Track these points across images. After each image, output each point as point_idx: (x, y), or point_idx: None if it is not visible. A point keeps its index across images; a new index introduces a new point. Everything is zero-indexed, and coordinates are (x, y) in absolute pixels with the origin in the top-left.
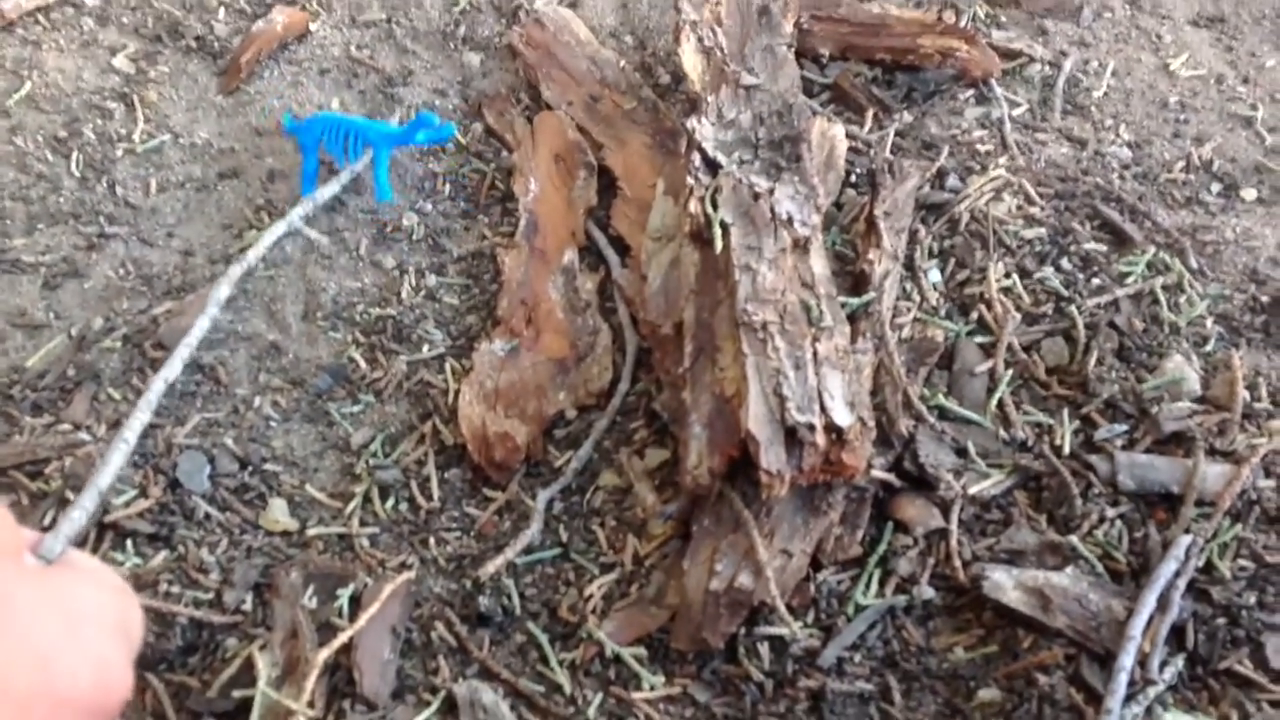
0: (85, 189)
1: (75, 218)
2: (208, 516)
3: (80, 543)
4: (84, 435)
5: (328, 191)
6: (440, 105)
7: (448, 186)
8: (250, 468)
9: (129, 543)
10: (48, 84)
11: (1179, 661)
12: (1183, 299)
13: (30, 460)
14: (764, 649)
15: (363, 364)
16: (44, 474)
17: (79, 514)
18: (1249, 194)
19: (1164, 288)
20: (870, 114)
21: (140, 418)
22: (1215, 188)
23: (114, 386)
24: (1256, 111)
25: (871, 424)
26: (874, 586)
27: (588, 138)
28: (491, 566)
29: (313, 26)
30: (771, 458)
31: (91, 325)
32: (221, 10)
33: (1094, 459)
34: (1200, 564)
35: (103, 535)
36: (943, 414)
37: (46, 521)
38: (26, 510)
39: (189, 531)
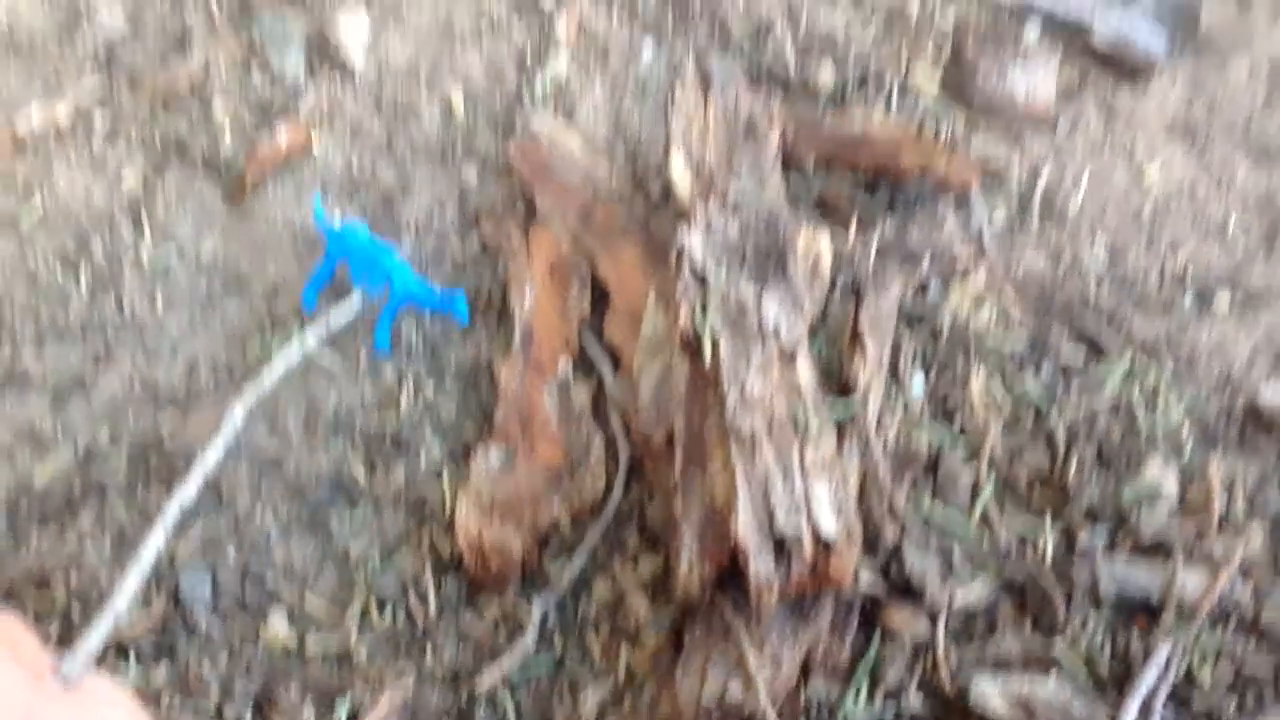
0: (93, 304)
1: (83, 333)
2: (209, 630)
3: None
4: (90, 549)
5: (342, 318)
6: (438, 218)
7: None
8: (251, 581)
9: (132, 656)
10: (58, 202)
11: None
12: (1160, 406)
13: (37, 574)
14: None
15: (362, 475)
16: (50, 587)
17: (96, 637)
18: (1223, 303)
19: (1141, 395)
20: (853, 224)
21: (155, 540)
22: (1190, 296)
23: (119, 500)
24: (1229, 220)
25: (858, 533)
26: (862, 696)
27: (582, 250)
28: (488, 679)
29: (315, 144)
30: (760, 567)
31: (98, 439)
32: (227, 129)
33: (1076, 565)
34: (1181, 671)
35: (106, 649)
36: (928, 521)
37: (54, 633)
38: (32, 625)
39: (190, 646)
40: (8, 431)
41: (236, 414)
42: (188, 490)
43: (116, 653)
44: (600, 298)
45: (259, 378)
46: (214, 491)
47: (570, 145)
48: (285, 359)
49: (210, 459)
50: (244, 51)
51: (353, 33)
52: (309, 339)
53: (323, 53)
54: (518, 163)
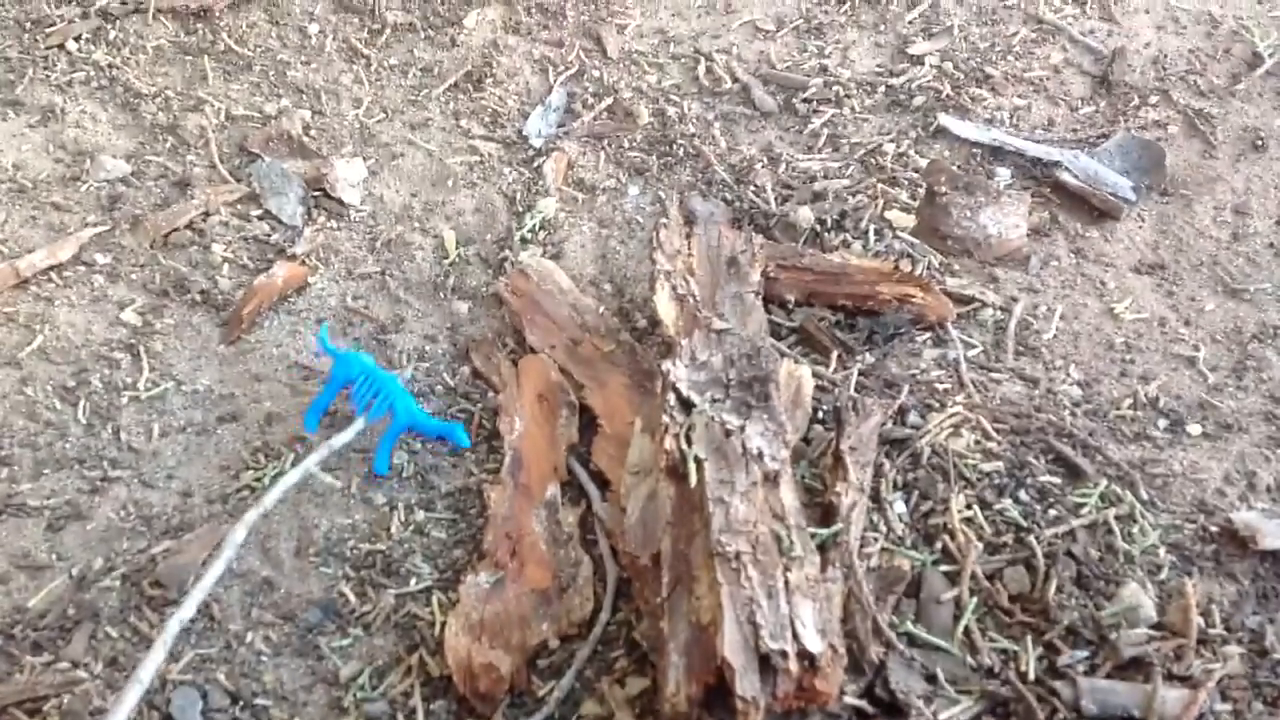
0: (91, 435)
1: (80, 462)
2: None
3: None
4: (82, 674)
5: (343, 439)
6: (430, 350)
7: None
8: (241, 703)
9: None
10: (58, 336)
11: None
12: (1136, 529)
13: (30, 698)
14: None
15: (352, 598)
16: (42, 712)
17: None
18: (1194, 429)
19: (1117, 518)
20: (834, 355)
21: (155, 658)
22: (1162, 423)
23: (112, 625)
24: (1199, 352)
25: (843, 651)
26: None
27: (569, 379)
28: None
29: (311, 280)
30: (747, 685)
31: (92, 565)
32: (225, 266)
33: (1058, 685)
34: None
35: None
36: (912, 641)
37: None
38: None
39: None
40: (4, 558)
41: (239, 533)
42: (186, 610)
43: None
44: (588, 424)
45: (261, 497)
46: (206, 615)
47: (558, 280)
48: (287, 479)
49: (211, 576)
50: (243, 194)
51: (349, 176)
52: (311, 460)
53: (320, 195)
54: (507, 296)
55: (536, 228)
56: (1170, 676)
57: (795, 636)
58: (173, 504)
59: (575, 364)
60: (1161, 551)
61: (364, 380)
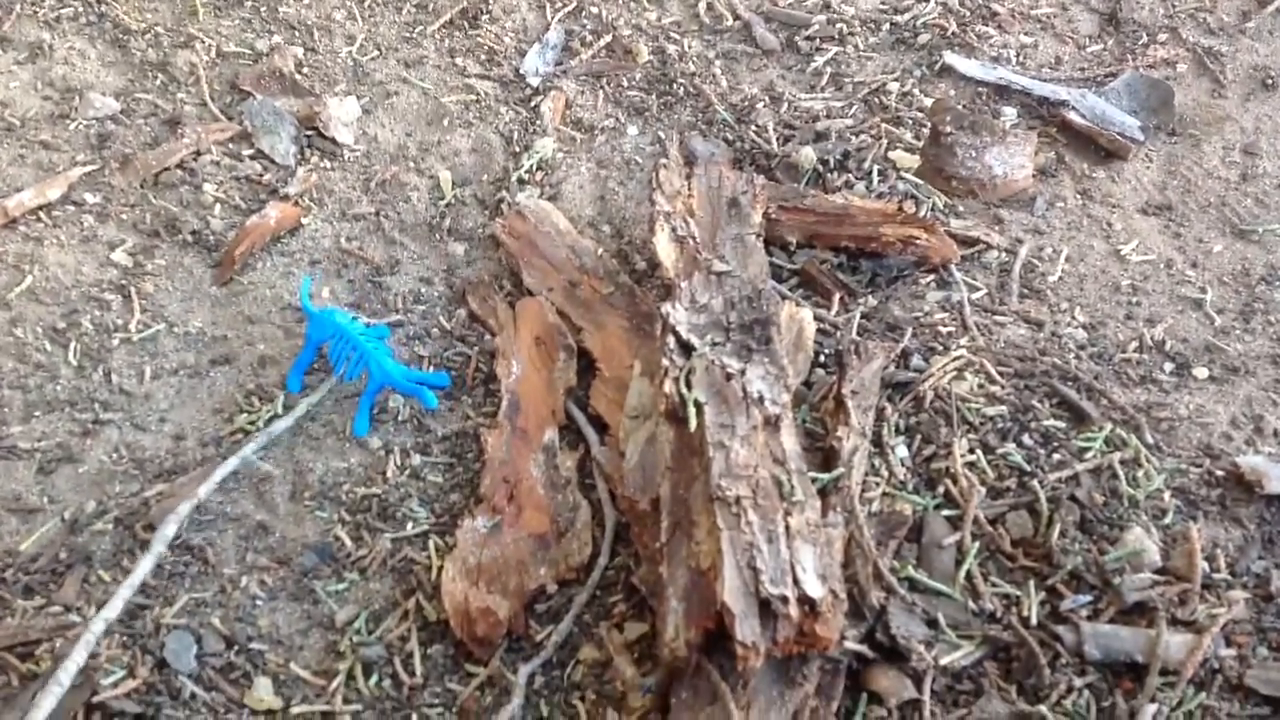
0: (82, 377)
1: (71, 405)
2: (194, 696)
3: None
4: (74, 617)
5: (283, 426)
6: (425, 292)
7: (432, 369)
8: (236, 647)
9: None
10: (48, 277)
11: None
12: (1140, 473)
13: (21, 642)
14: None
15: (348, 542)
16: (35, 655)
17: None
18: (1201, 372)
19: (1122, 463)
20: (836, 298)
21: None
22: (1168, 367)
23: (105, 569)
24: (1205, 294)
25: (843, 596)
26: None
27: (567, 321)
28: None
29: (305, 220)
30: (746, 630)
31: (84, 509)
32: (217, 206)
33: (1060, 629)
34: None
35: (90, 715)
36: (913, 586)
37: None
38: (16, 692)
39: (175, 711)
40: None
41: (169, 527)
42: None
43: (101, 718)
44: (586, 368)
45: (196, 487)
46: (200, 559)
47: (555, 221)
48: (225, 466)
49: (140, 573)
50: (234, 133)
51: (342, 115)
52: (248, 448)
53: (313, 134)
54: (504, 238)
55: (534, 168)
56: (1174, 621)
57: (796, 582)
58: (165, 447)
59: (572, 306)
60: (1166, 496)
61: (338, 339)
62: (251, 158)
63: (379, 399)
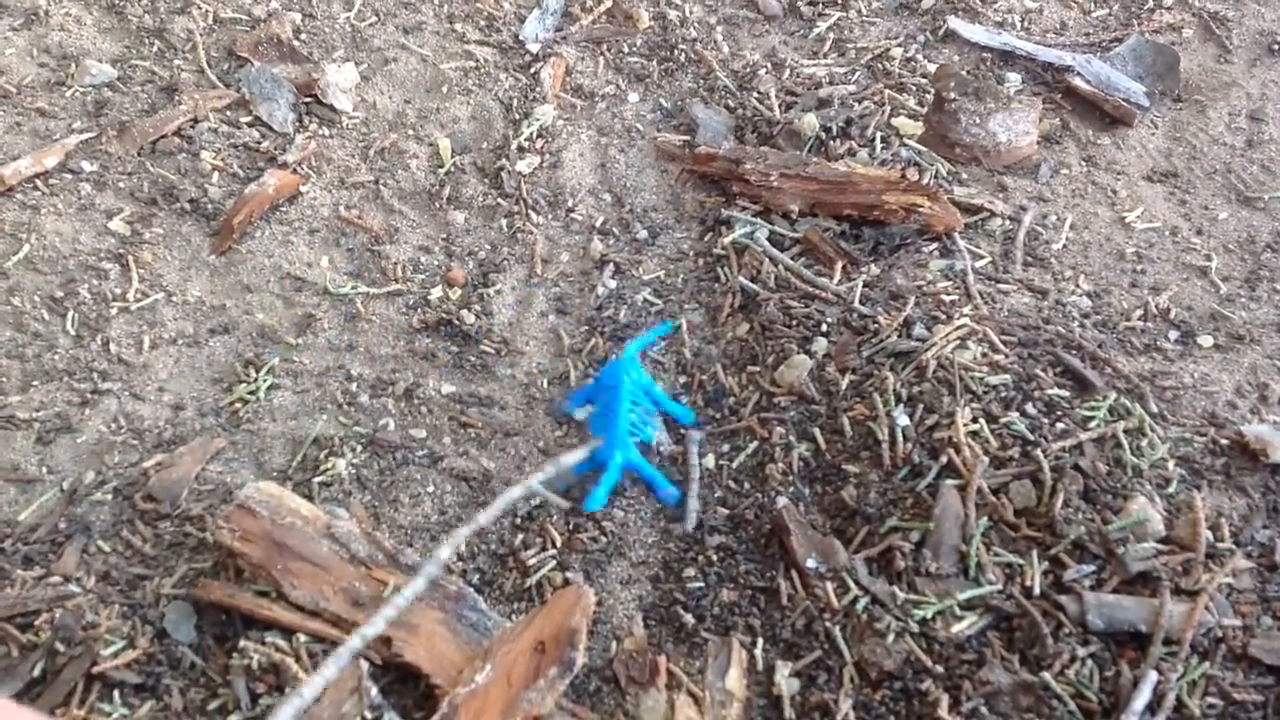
0: (80, 347)
1: (69, 374)
2: (193, 665)
3: (69, 694)
4: (74, 587)
5: (574, 459)
6: (425, 261)
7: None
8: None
9: (116, 693)
10: (45, 246)
11: None
12: (1144, 442)
13: (21, 612)
14: None
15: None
16: (34, 626)
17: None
18: (1206, 341)
19: (1126, 432)
20: (839, 266)
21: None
22: (1173, 335)
23: (104, 539)
24: (1211, 262)
25: None
26: None
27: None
28: None
29: (303, 188)
30: None
31: (83, 479)
32: (215, 174)
33: (1063, 599)
34: (1171, 701)
35: (90, 686)
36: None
37: (35, 673)
38: (16, 662)
39: (174, 681)
40: None
41: (444, 551)
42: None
43: (102, 691)
44: (422, 695)
45: (476, 516)
46: (199, 529)
47: (294, 505)
48: (509, 494)
49: (408, 594)
50: (232, 100)
51: (340, 82)
52: (535, 479)
53: (311, 101)
54: (237, 545)
55: (534, 135)
56: (1178, 591)
57: None
58: (164, 417)
59: (363, 615)
60: (1170, 465)
61: (609, 396)
62: (249, 125)
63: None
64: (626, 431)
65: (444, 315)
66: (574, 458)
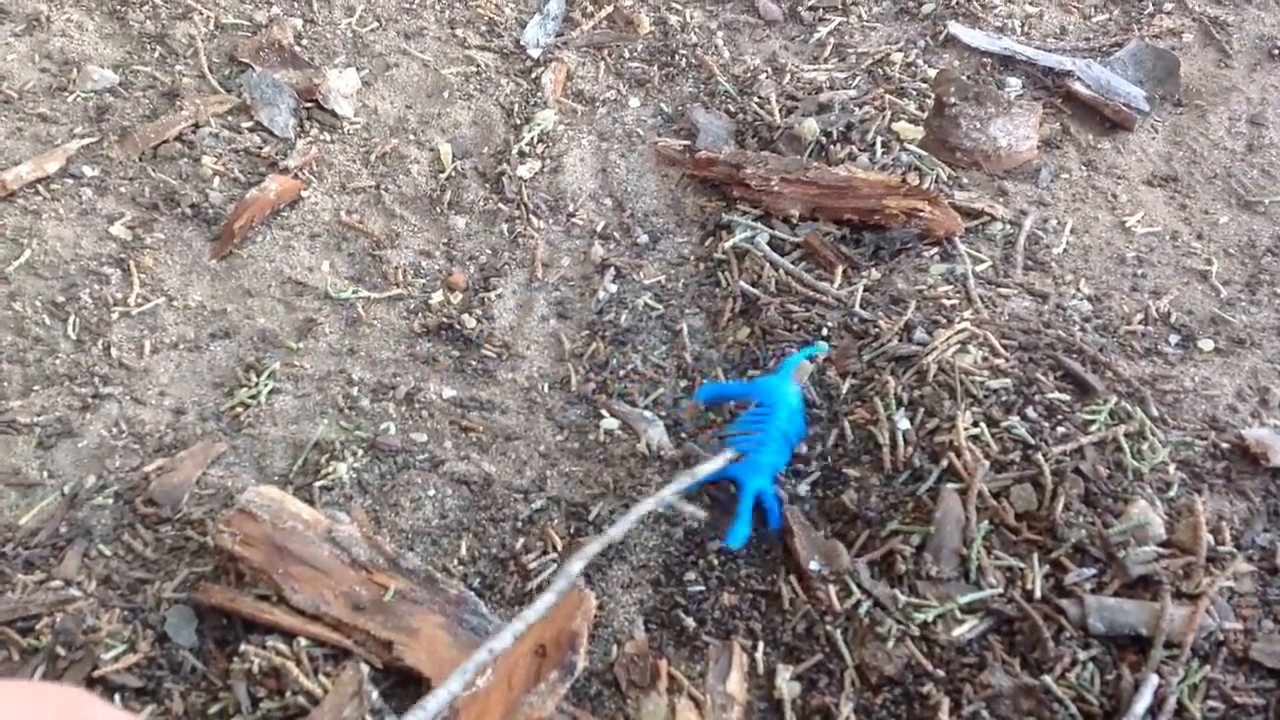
0: (81, 351)
1: (70, 379)
2: (194, 669)
3: None
4: (75, 592)
5: (710, 468)
6: (426, 266)
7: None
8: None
9: (117, 697)
10: (46, 251)
11: None
12: (1145, 446)
13: (21, 617)
14: None
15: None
16: (35, 630)
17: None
18: (1206, 345)
19: (1127, 435)
20: (839, 271)
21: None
22: (1174, 339)
23: (105, 544)
24: (1211, 266)
25: None
26: None
27: (369, 642)
28: None
29: (304, 193)
30: None
31: (84, 483)
32: (216, 179)
33: (1064, 603)
34: (1172, 706)
35: (91, 689)
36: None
37: (36, 677)
38: (17, 666)
39: (175, 685)
40: None
41: (575, 565)
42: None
43: (103, 695)
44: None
45: (608, 529)
46: (200, 532)
47: (294, 509)
48: (641, 507)
49: (543, 605)
50: (233, 105)
51: (342, 87)
52: (668, 490)
53: (312, 106)
54: (237, 549)
55: (535, 140)
56: (1179, 594)
57: None
58: (165, 421)
59: (365, 619)
60: (1171, 468)
61: (762, 415)
62: (251, 130)
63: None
64: (770, 462)
65: (445, 320)
66: (709, 468)
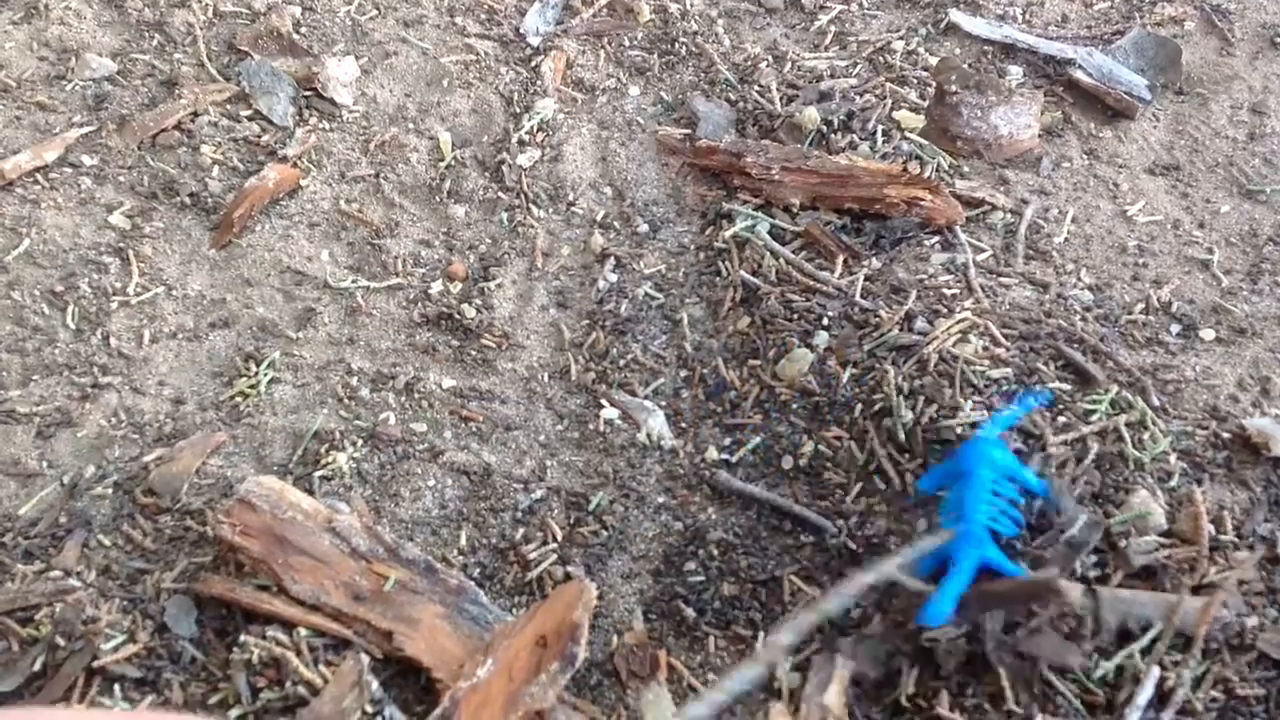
0: (80, 340)
1: (70, 369)
2: (193, 660)
3: (69, 688)
4: (75, 582)
5: (929, 545)
6: (426, 255)
7: None
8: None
9: (117, 687)
10: (45, 240)
11: None
12: (1146, 436)
13: (21, 607)
14: None
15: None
16: (34, 621)
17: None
18: (1207, 334)
19: (1128, 425)
20: (840, 260)
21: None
22: (1175, 328)
23: (105, 534)
24: (1213, 255)
25: None
26: None
27: (368, 631)
28: None
29: (303, 182)
30: None
31: (83, 473)
32: (215, 168)
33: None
34: (1172, 696)
35: (91, 680)
36: None
37: (36, 667)
38: (16, 657)
39: (175, 675)
40: None
41: (783, 640)
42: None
43: (102, 685)
44: (422, 689)
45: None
46: (200, 523)
47: (294, 499)
48: (861, 578)
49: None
50: (232, 94)
51: (341, 76)
52: (889, 564)
53: (311, 95)
54: (237, 539)
55: (534, 129)
56: (1182, 584)
57: None
58: (165, 411)
59: (364, 608)
60: (1172, 458)
61: (965, 482)
62: (249, 119)
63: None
64: (983, 525)
65: (445, 309)
66: (929, 544)
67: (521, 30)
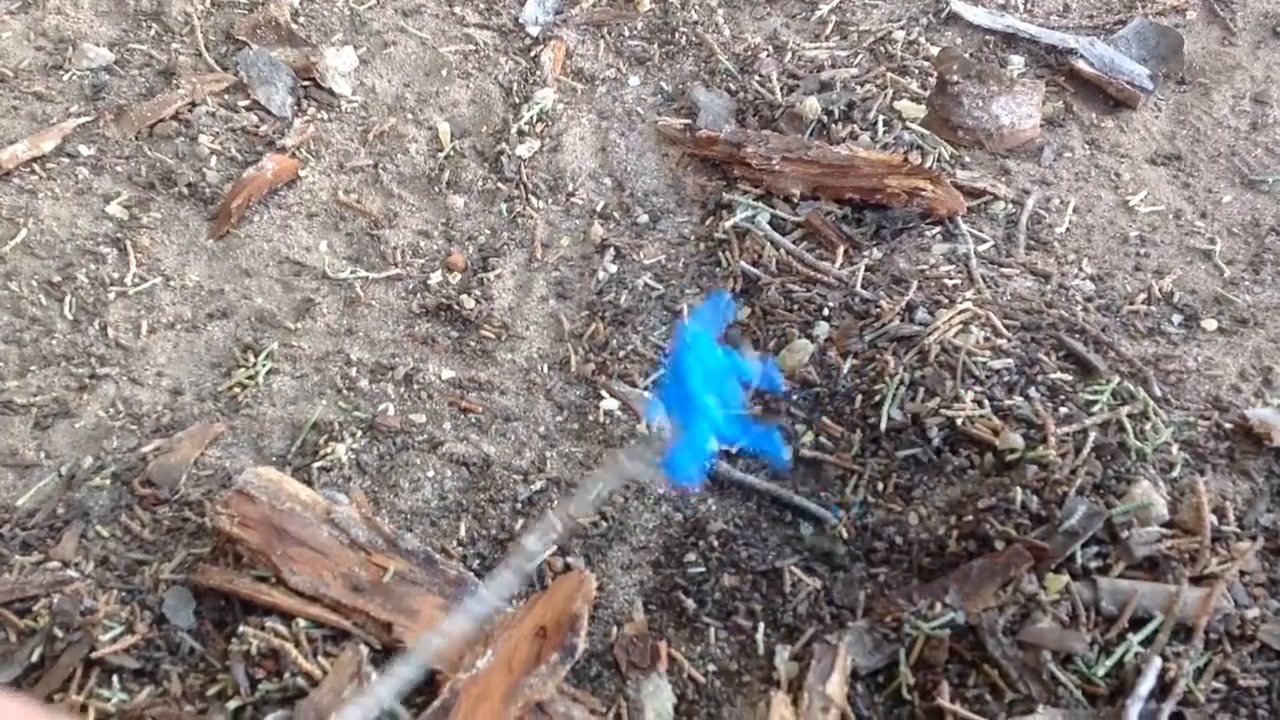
0: (78, 331)
1: (67, 359)
2: (192, 651)
3: (67, 679)
4: (72, 573)
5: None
6: (424, 246)
7: None
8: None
9: (115, 678)
10: (42, 230)
11: None
12: (1148, 426)
13: (19, 598)
14: None
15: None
16: (32, 612)
17: None
18: (1209, 324)
19: (1130, 416)
20: (841, 250)
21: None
22: (1176, 319)
23: (103, 524)
24: (1215, 245)
25: None
26: None
27: (368, 623)
28: None
29: (302, 172)
30: None
31: (81, 464)
32: (213, 159)
33: (1077, 585)
34: (1174, 687)
35: (89, 671)
36: None
37: (34, 658)
38: (14, 647)
39: (173, 666)
40: None
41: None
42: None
43: (100, 676)
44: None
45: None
46: (198, 514)
47: (292, 490)
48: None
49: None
50: (230, 84)
51: (339, 66)
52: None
53: (309, 85)
54: (235, 530)
55: (534, 119)
56: (1184, 575)
57: None
58: (163, 402)
59: (364, 600)
60: (1174, 449)
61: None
62: (247, 109)
63: None
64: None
65: (444, 300)
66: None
67: (521, 20)
